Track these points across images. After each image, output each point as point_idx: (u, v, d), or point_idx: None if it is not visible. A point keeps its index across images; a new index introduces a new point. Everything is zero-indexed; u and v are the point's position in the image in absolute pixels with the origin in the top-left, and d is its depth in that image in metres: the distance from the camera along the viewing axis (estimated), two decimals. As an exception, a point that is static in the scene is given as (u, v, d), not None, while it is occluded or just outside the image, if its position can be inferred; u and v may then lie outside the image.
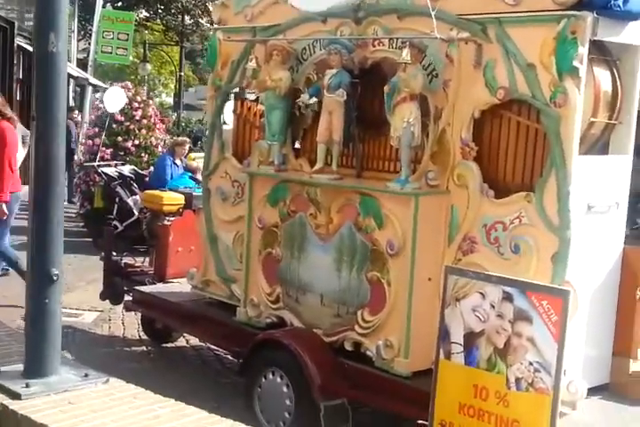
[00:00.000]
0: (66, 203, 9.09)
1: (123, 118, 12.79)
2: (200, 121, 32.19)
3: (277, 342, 5.36)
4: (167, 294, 6.85)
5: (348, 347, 5.17)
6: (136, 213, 11.37)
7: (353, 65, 5.24)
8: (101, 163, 12.14)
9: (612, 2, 4.16)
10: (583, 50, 4.16)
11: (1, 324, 5.82)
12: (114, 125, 12.75)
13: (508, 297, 4.12)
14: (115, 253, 7.90)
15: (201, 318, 6.40)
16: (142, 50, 30.85)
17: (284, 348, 5.25)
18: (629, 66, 4.59)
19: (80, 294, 8.95)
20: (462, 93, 4.68)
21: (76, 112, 18.81)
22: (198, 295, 6.66)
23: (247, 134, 6.35)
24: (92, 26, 22.68)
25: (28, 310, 3.95)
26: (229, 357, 6.95)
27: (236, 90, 6.30)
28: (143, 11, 31.85)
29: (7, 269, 8.83)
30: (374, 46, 5.15)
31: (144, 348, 7.53)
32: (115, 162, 12.30)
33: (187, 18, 30.80)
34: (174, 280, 7.24)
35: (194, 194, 9.21)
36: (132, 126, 12.89)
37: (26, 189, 5.19)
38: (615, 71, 4.56)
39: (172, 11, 30.65)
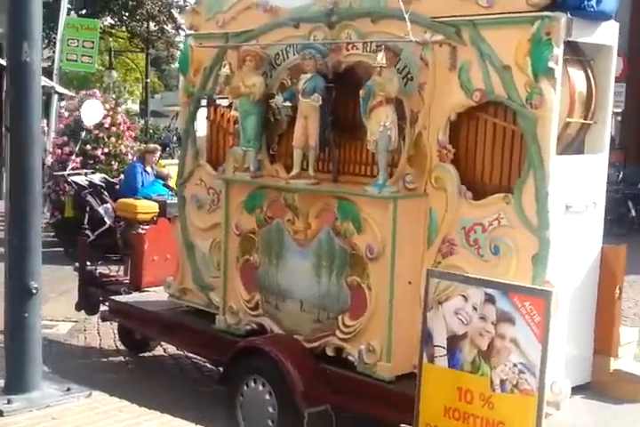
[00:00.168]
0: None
1: (92, 126, 12.67)
2: (167, 127, 32.10)
3: (258, 349, 5.32)
4: (144, 304, 6.79)
5: (330, 352, 5.15)
6: (107, 221, 11.25)
7: (327, 69, 5.23)
8: (71, 172, 12.02)
9: (586, 2, 4.19)
10: (558, 51, 4.18)
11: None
12: (82, 133, 12.63)
13: (490, 299, 4.13)
14: (89, 263, 7.82)
15: (179, 327, 6.35)
16: (107, 57, 30.63)
17: (265, 355, 5.22)
18: (603, 66, 4.63)
19: (53, 305, 8.84)
20: (438, 96, 4.68)
21: (44, 121, 18.63)
22: (176, 304, 6.61)
23: (221, 141, 6.31)
24: (56, 34, 22.45)
25: (6, 324, 3.90)
26: (208, 365, 6.91)
27: (210, 96, 6.26)
28: (108, 18, 31.66)
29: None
30: (348, 50, 5.14)
31: (121, 358, 7.46)
32: (85, 170, 12.18)
33: (152, 24, 30.66)
34: (150, 289, 7.18)
35: (168, 202, 9.15)
36: (101, 134, 12.79)
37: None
38: (589, 71, 4.59)
39: (137, 17, 30.48)
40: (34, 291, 3.78)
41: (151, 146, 12.79)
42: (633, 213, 14.89)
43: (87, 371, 6.79)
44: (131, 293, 7.21)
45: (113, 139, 12.89)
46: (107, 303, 7.29)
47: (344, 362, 5.05)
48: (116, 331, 7.77)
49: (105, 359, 7.42)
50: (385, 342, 4.81)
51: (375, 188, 4.83)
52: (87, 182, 11.67)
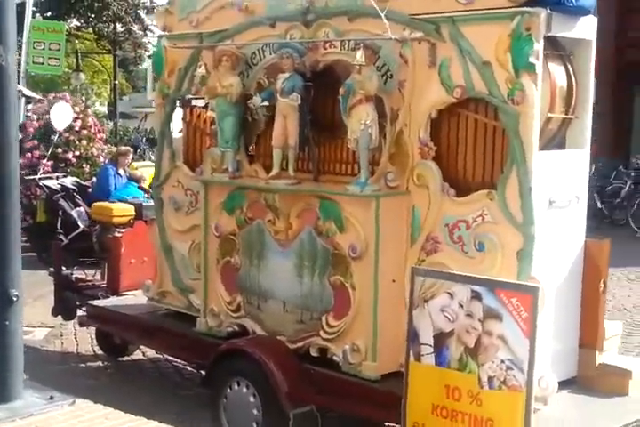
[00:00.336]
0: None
1: (62, 130, 12.54)
2: (137, 129, 31.86)
3: (241, 351, 5.27)
4: (123, 308, 6.72)
5: (314, 353, 5.11)
6: (81, 225, 11.15)
7: (305, 68, 5.19)
8: (42, 176, 11.90)
9: (565, -3, 4.18)
10: (538, 46, 4.18)
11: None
12: (52, 137, 12.50)
13: (476, 296, 4.11)
14: (64, 268, 7.72)
15: (159, 331, 6.28)
16: (74, 59, 30.35)
17: (249, 357, 5.17)
18: (582, 60, 4.63)
19: (29, 311, 8.63)
20: (418, 93, 4.66)
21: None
22: (155, 307, 6.54)
23: (198, 142, 6.26)
24: (21, 37, 22.23)
25: (-13, 332, 3.82)
26: (188, 367, 6.85)
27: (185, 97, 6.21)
28: (74, 20, 31.38)
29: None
30: (325, 49, 5.11)
31: (100, 363, 7.39)
32: (56, 174, 12.06)
33: (118, 26, 30.43)
34: (129, 293, 7.10)
35: (144, 204, 9.07)
36: (71, 137, 12.66)
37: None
38: (569, 66, 4.59)
39: (104, 19, 30.24)
40: (14, 298, 3.71)
41: (123, 148, 12.68)
42: (598, 204, 14.97)
43: (66, 377, 6.71)
44: (108, 297, 7.13)
45: (84, 142, 12.79)
46: (84, 308, 7.20)
47: (328, 362, 5.02)
48: (93, 336, 7.68)
49: (83, 365, 7.34)
50: (370, 342, 4.79)
51: (357, 186, 4.80)
52: (59, 186, 11.58)
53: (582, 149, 4.71)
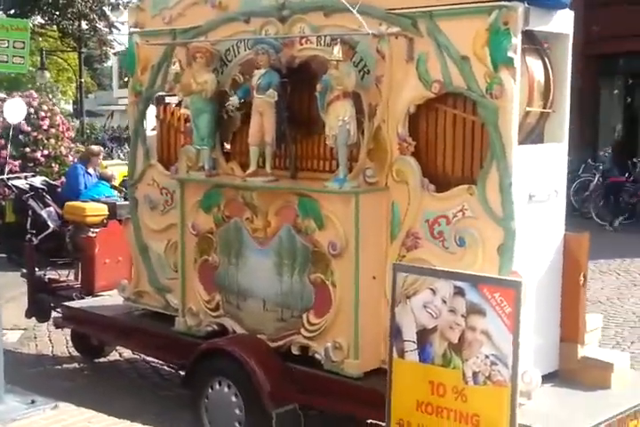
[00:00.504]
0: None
1: (29, 128, 12.39)
2: (103, 127, 31.62)
3: (222, 350, 5.23)
4: (98, 308, 6.64)
5: (295, 351, 5.08)
6: (51, 225, 11.03)
7: (280, 64, 5.14)
8: (10, 175, 11.75)
9: (543, -9, 4.18)
10: (516, 40, 4.17)
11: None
12: (20, 136, 12.33)
13: (459, 292, 4.10)
14: (37, 269, 7.62)
15: (136, 331, 6.22)
16: (39, 57, 30.00)
17: (229, 356, 5.13)
18: (559, 54, 4.63)
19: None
20: (396, 89, 4.63)
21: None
22: (131, 307, 6.48)
23: (172, 140, 6.19)
24: (-16, 35, 21.96)
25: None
26: (166, 368, 6.79)
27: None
28: (38, 17, 31.02)
29: None
30: (301, 44, 5.06)
31: (76, 365, 7.30)
32: (25, 174, 11.91)
33: (83, 23, 30.10)
34: (104, 293, 7.03)
35: (117, 203, 8.98)
36: (39, 136, 12.51)
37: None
38: (547, 60, 4.59)
39: (68, 16, 29.91)
40: (-9, 302, 3.63)
41: (95, 148, 12.52)
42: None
43: (41, 379, 6.64)
44: (83, 298, 7.05)
45: (52, 140, 12.63)
46: (59, 310, 7.11)
47: (310, 360, 4.99)
48: (68, 337, 7.59)
49: (59, 367, 7.25)
50: (352, 339, 4.77)
51: (336, 183, 4.77)
52: (28, 186, 11.45)
53: (560, 143, 4.71)
